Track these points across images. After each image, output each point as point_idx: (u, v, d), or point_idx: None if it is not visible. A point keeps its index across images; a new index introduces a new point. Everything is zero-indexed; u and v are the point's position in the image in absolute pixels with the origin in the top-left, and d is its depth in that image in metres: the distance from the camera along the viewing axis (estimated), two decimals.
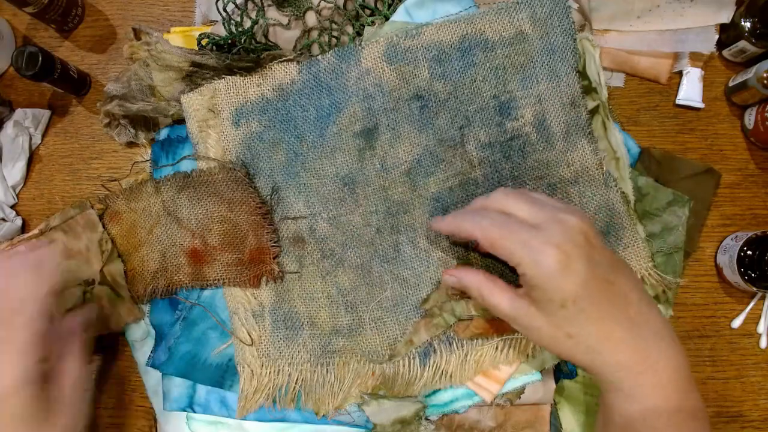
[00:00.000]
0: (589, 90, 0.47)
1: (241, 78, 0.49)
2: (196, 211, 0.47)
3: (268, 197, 0.47)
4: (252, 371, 0.46)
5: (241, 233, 0.47)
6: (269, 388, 0.46)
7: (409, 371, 0.45)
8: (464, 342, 0.45)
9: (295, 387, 0.46)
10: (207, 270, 0.48)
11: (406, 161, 0.47)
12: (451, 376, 0.45)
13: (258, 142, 0.49)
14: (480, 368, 0.45)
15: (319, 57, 0.49)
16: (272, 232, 0.47)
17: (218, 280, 0.48)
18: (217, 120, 0.49)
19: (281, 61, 0.49)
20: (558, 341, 0.36)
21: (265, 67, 0.49)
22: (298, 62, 0.49)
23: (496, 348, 0.45)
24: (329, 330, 0.46)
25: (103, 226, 0.53)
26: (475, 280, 0.39)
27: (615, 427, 0.37)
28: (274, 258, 0.47)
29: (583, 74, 0.47)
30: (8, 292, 0.36)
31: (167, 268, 0.49)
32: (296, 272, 0.47)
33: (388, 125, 0.47)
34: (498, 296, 0.37)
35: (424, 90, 0.47)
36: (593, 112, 0.47)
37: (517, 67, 0.47)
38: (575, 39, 0.46)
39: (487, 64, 0.47)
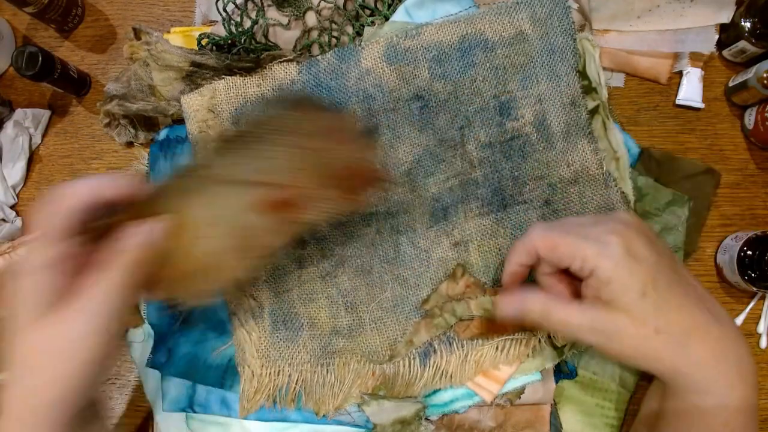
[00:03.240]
0: (589, 90, 0.47)
1: (241, 78, 0.49)
2: (263, 162, 0.35)
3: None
4: (252, 372, 0.46)
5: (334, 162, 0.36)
6: (270, 389, 0.46)
7: (410, 371, 0.45)
8: (464, 342, 0.45)
9: (295, 387, 0.46)
10: (303, 214, 0.36)
11: (406, 161, 0.47)
12: (451, 376, 0.45)
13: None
14: (480, 368, 0.45)
15: (319, 57, 0.49)
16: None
17: (322, 213, 0.36)
18: (217, 120, 0.49)
19: (281, 62, 0.49)
20: (647, 340, 0.32)
21: (265, 68, 0.49)
22: (297, 62, 0.49)
23: (497, 348, 0.45)
24: (329, 330, 0.46)
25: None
26: (538, 302, 0.35)
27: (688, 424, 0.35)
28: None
29: (583, 74, 0.47)
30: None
31: (241, 242, 0.36)
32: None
33: (388, 125, 0.47)
34: (566, 309, 0.34)
35: (424, 90, 0.47)
36: (593, 112, 0.47)
37: (517, 67, 0.47)
38: (575, 39, 0.46)
39: (487, 64, 0.47)
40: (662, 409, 0.37)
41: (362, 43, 0.48)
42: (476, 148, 0.46)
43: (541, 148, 0.46)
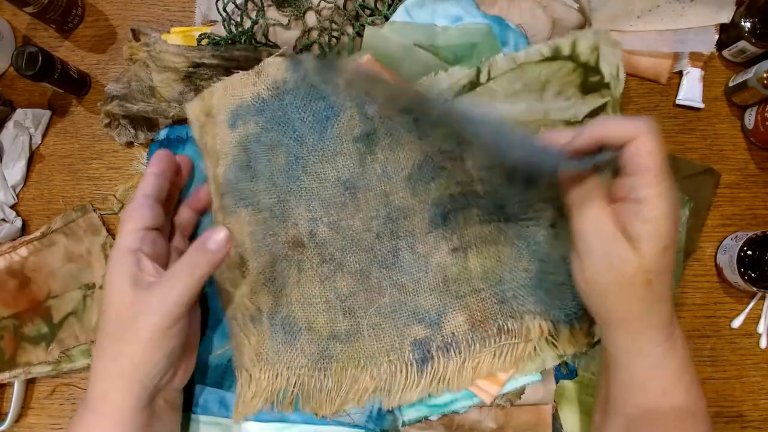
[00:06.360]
0: (599, 86, 0.46)
1: (238, 77, 0.48)
2: None
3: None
4: (251, 376, 0.46)
5: None
6: (268, 392, 0.46)
7: (406, 378, 0.45)
8: (462, 348, 0.44)
9: (293, 391, 0.46)
10: None
11: (406, 166, 0.46)
12: (448, 382, 0.44)
13: (256, 144, 0.47)
14: (478, 375, 0.44)
15: (302, 56, 0.48)
16: None
17: None
18: (213, 123, 0.48)
19: (275, 56, 0.48)
20: (635, 283, 0.34)
21: (261, 62, 0.48)
22: (290, 58, 0.48)
23: (494, 355, 0.44)
24: (327, 335, 0.46)
25: (107, 231, 0.53)
26: (584, 188, 0.35)
27: (627, 388, 0.37)
28: None
29: (595, 69, 0.46)
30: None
31: None
32: None
33: (386, 132, 0.46)
34: (602, 206, 0.35)
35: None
36: (599, 110, 0.46)
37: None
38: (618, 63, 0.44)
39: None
40: (609, 386, 0.38)
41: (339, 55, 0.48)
42: (474, 167, 0.45)
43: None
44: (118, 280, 0.38)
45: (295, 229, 0.46)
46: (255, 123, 0.47)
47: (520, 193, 0.45)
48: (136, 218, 0.41)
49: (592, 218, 0.35)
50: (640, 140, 0.33)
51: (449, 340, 0.45)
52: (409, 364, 0.45)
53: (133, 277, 0.38)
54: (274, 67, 0.48)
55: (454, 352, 0.44)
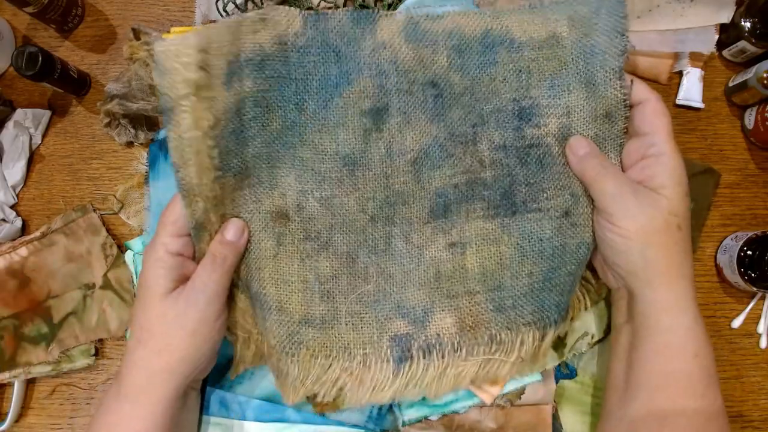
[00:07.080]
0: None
1: (236, 21, 0.40)
2: None
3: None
4: (249, 336, 0.44)
5: None
6: (263, 347, 0.44)
7: (380, 375, 0.42)
8: (446, 353, 0.42)
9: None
10: None
11: (413, 149, 0.43)
12: (426, 387, 0.42)
13: (252, 107, 0.42)
14: (458, 384, 0.42)
15: (330, 13, 0.43)
16: None
17: None
18: (209, 79, 0.39)
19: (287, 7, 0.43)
20: (671, 227, 0.37)
21: (266, 7, 0.43)
22: (304, 11, 0.42)
23: (480, 367, 0.42)
24: (299, 318, 0.42)
25: (107, 231, 0.53)
26: (596, 159, 0.40)
27: (650, 332, 0.39)
28: None
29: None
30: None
31: None
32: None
33: (400, 108, 0.43)
34: (617, 168, 0.40)
35: (441, 79, 0.43)
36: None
37: (545, 74, 0.42)
38: (624, 36, 0.41)
39: (510, 66, 0.43)
40: (635, 360, 0.39)
41: (379, 11, 0.43)
42: (488, 148, 0.43)
43: (561, 162, 0.42)
44: (161, 279, 0.39)
45: (282, 199, 0.43)
46: (253, 81, 0.41)
47: (534, 174, 0.42)
48: (181, 226, 0.40)
49: (614, 178, 0.39)
50: (651, 103, 0.40)
51: (433, 341, 0.42)
52: (385, 360, 0.41)
53: (175, 279, 0.40)
54: (285, 16, 0.42)
55: (437, 356, 0.41)
